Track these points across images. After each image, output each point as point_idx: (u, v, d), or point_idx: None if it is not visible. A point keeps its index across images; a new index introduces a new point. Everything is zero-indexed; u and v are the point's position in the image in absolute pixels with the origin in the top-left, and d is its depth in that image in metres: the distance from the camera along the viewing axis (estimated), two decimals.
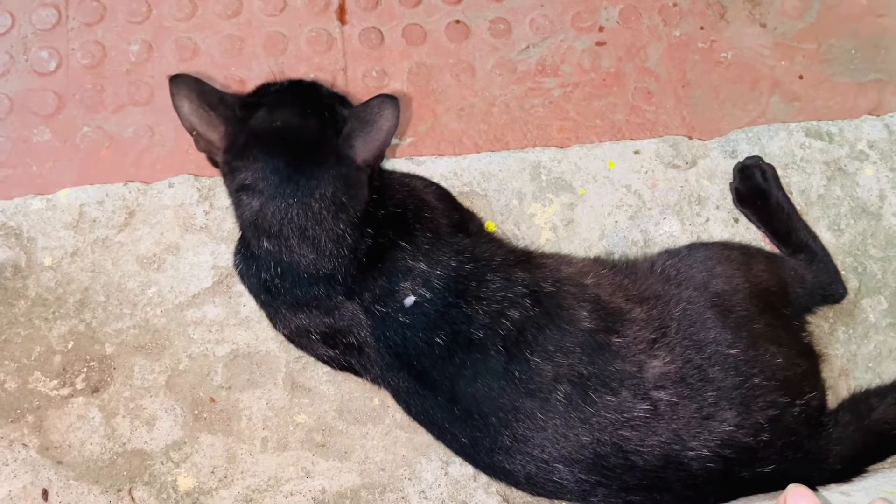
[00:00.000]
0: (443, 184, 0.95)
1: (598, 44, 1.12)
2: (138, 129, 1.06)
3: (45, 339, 0.91)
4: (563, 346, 0.74)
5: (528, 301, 0.76)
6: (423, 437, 0.83)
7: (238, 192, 0.79)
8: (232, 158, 0.79)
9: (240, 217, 0.80)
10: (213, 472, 0.87)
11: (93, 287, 0.93)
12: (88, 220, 0.95)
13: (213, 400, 0.89)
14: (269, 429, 0.88)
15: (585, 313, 0.76)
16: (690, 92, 1.10)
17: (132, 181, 0.98)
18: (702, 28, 1.13)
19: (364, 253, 0.78)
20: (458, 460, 0.83)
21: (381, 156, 0.81)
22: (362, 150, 0.79)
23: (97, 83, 1.07)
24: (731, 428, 0.71)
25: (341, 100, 0.85)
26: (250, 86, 1.06)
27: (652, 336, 0.76)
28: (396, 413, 0.87)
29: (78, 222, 0.94)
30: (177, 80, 0.78)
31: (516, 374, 0.73)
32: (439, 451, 0.86)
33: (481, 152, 1.04)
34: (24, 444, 0.87)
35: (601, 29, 1.12)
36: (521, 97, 1.09)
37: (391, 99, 0.78)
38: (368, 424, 0.89)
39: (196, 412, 0.88)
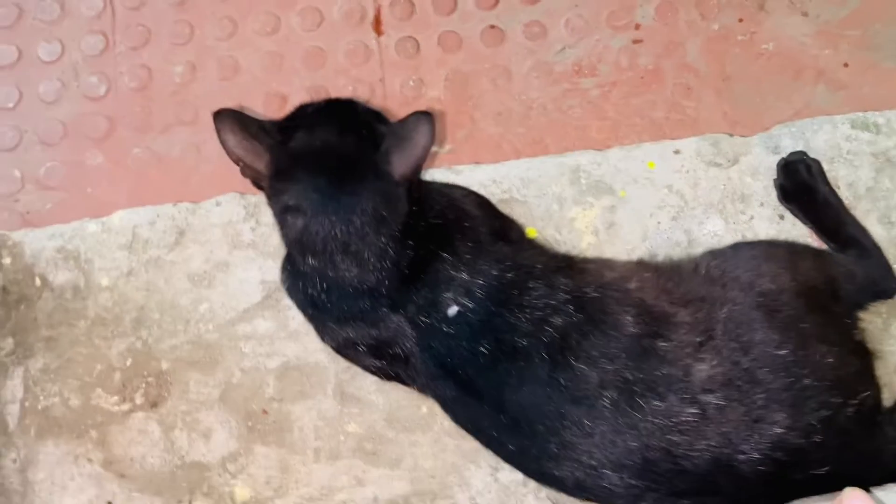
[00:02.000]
0: (482, 192, 0.96)
1: (635, 41, 1.11)
2: (185, 148, 1.08)
3: (105, 356, 0.94)
4: (609, 352, 0.74)
5: (571, 307, 0.76)
6: (472, 443, 0.84)
7: (282, 213, 0.80)
8: (276, 182, 0.80)
9: (285, 237, 0.82)
10: (268, 483, 0.89)
11: (147, 305, 0.96)
12: (141, 241, 0.98)
13: (265, 412, 0.91)
14: (320, 439, 0.90)
15: (630, 318, 0.76)
16: (731, 86, 1.08)
17: (181, 201, 1.00)
18: (741, 20, 1.11)
19: (406, 265, 0.79)
20: (507, 466, 0.83)
21: (418, 170, 0.82)
22: (400, 166, 0.80)
23: (145, 105, 1.09)
24: (781, 430, 0.71)
25: (377, 116, 0.86)
26: (292, 100, 1.08)
27: (698, 339, 0.75)
28: (444, 420, 0.88)
29: (132, 243, 0.98)
30: (220, 116, 0.80)
31: (562, 381, 0.73)
32: (488, 457, 0.87)
33: (520, 157, 1.03)
34: (89, 459, 0.90)
35: (637, 26, 1.11)
36: (559, 99, 1.09)
37: (426, 115, 0.79)
38: (417, 432, 0.90)
39: (250, 424, 0.91)
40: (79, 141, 1.08)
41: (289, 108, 1.07)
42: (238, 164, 0.83)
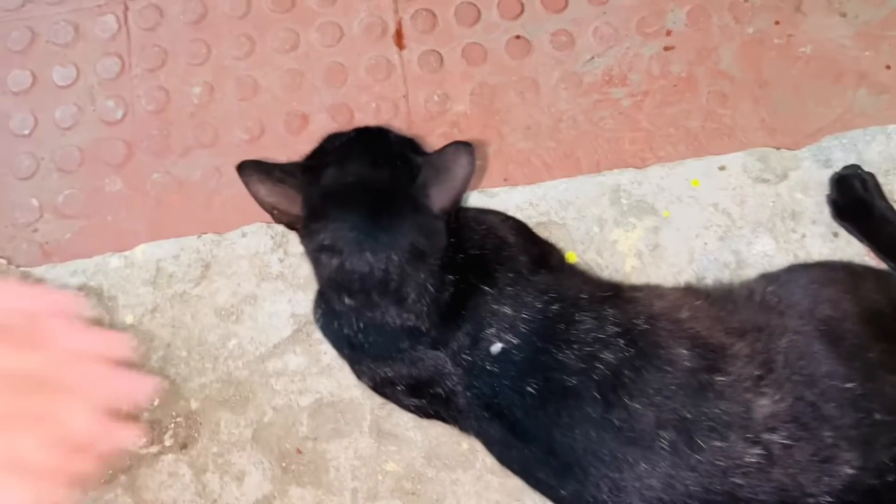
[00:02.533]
0: (518, 215, 0.92)
1: (667, 48, 1.07)
2: (206, 171, 1.05)
3: None
4: (664, 389, 0.70)
5: (621, 341, 0.72)
6: (516, 481, 0.80)
7: (317, 252, 0.77)
8: (310, 222, 0.77)
9: (320, 276, 0.79)
10: None
11: (174, 343, 0.93)
12: (165, 276, 0.95)
13: (299, 451, 0.88)
14: (358, 479, 0.87)
15: (684, 351, 0.72)
16: (769, 92, 1.04)
17: (205, 230, 0.97)
18: (777, 23, 1.07)
19: (446, 300, 0.75)
20: None
21: (458, 203, 0.78)
22: (439, 199, 0.77)
23: (163, 128, 1.07)
24: (853, 471, 0.66)
25: (412, 144, 0.83)
26: (313, 119, 1.05)
27: (758, 372, 0.71)
28: (487, 457, 0.84)
29: (156, 278, 0.95)
30: (244, 169, 0.77)
31: (615, 421, 0.69)
32: (534, 495, 0.83)
33: (554, 176, 1.00)
34: None
35: (669, 33, 1.07)
36: (589, 110, 1.05)
37: (466, 146, 0.75)
38: (458, 470, 0.86)
39: (284, 465, 0.87)
40: (97, 167, 1.06)
41: (310, 127, 1.06)
42: (272, 213, 0.79)
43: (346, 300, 0.76)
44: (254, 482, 0.87)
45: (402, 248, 0.74)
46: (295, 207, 0.78)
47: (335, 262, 0.75)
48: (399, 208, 0.75)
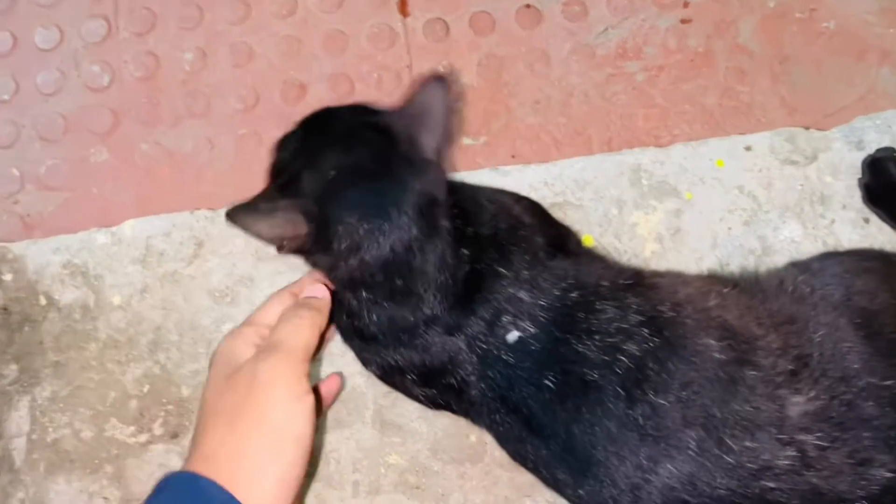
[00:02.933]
0: (532, 195, 0.87)
1: (684, 21, 1.02)
2: (198, 142, 1.00)
3: (119, 383, 0.86)
4: (691, 383, 0.66)
5: (645, 331, 0.68)
6: (526, 476, 0.76)
7: (336, 262, 0.71)
8: (320, 235, 0.70)
9: (339, 280, 0.73)
10: None
11: (165, 326, 0.87)
12: (156, 254, 0.89)
13: None
14: (359, 471, 0.82)
15: (713, 342, 0.68)
16: (789, 68, 1.00)
17: (196, 204, 0.92)
18: None
19: (462, 279, 0.70)
20: (566, 502, 0.75)
21: (451, 138, 0.73)
22: (429, 142, 0.71)
23: (152, 96, 1.01)
24: (891, 474, 0.63)
25: (364, 110, 0.76)
26: (311, 90, 1.00)
27: (791, 367, 0.67)
28: (496, 451, 0.80)
29: (145, 256, 0.89)
30: (234, 217, 0.68)
31: (640, 419, 0.65)
32: (545, 491, 0.79)
33: (564, 153, 0.95)
34: (105, 498, 0.83)
35: (686, 4, 1.03)
36: (602, 84, 1.01)
37: (436, 79, 0.70)
38: (466, 463, 0.82)
39: None
40: (81, 136, 1.00)
41: (308, 98, 1.01)
42: (280, 247, 0.72)
43: (364, 294, 0.71)
44: None
45: (413, 209, 0.69)
46: (301, 227, 0.70)
47: (354, 261, 0.70)
48: (396, 176, 0.69)
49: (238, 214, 0.69)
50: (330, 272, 0.73)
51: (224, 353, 0.66)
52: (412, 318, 0.71)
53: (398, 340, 0.71)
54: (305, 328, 0.66)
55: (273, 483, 0.58)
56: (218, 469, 0.58)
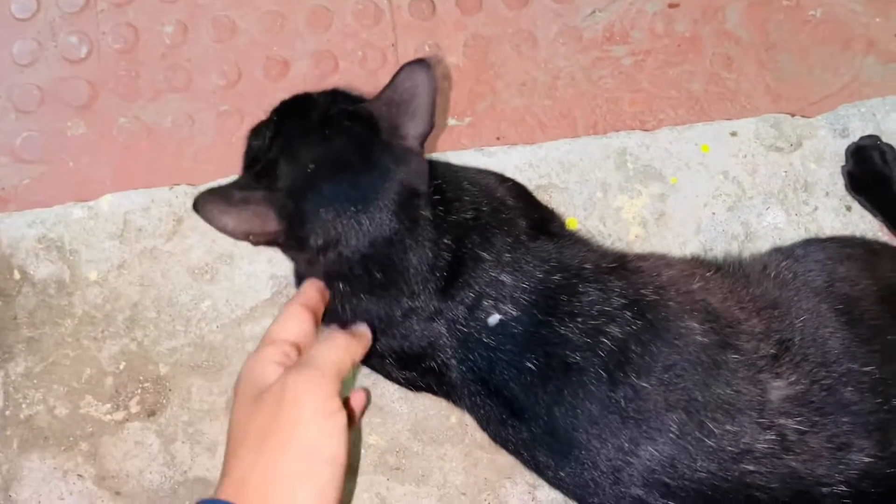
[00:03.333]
0: (517, 177, 0.86)
1: (671, 5, 1.02)
2: (177, 117, 0.98)
3: (94, 360, 0.85)
4: (674, 366, 0.66)
5: (628, 314, 0.68)
6: (507, 458, 0.76)
7: (312, 257, 0.69)
8: (293, 230, 0.68)
9: (316, 274, 0.71)
10: None
11: (142, 302, 0.86)
12: (134, 230, 0.87)
13: None
14: None
15: (695, 325, 0.68)
16: (775, 56, 1.00)
17: (176, 181, 0.90)
18: None
19: (443, 266, 0.69)
20: (546, 483, 0.75)
21: (433, 123, 0.71)
22: (413, 130, 0.70)
23: (131, 69, 0.99)
24: (869, 459, 0.63)
25: (344, 96, 0.75)
26: (294, 67, 0.99)
27: (773, 351, 0.67)
28: (476, 432, 0.80)
29: (123, 232, 0.87)
30: (201, 205, 0.65)
31: (622, 402, 0.65)
32: (525, 473, 0.79)
33: (549, 135, 0.94)
34: (80, 475, 0.81)
35: None
36: (588, 68, 1.00)
37: (418, 62, 0.68)
38: (446, 445, 0.82)
39: None
40: (58, 108, 0.98)
41: (291, 74, 0.99)
42: (248, 239, 0.69)
43: (341, 286, 0.70)
44: None
45: (393, 202, 0.68)
46: (271, 224, 0.68)
47: (332, 255, 0.68)
48: (376, 168, 0.68)
49: (207, 202, 0.66)
50: (307, 266, 0.72)
51: (248, 375, 0.62)
52: (391, 311, 0.70)
53: (373, 321, 0.71)
54: (340, 349, 0.63)
55: None
56: (248, 496, 0.55)
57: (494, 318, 0.69)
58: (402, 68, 0.69)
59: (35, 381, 0.84)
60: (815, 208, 0.87)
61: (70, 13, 1.01)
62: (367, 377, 0.83)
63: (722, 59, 1.00)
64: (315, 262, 0.70)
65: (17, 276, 0.86)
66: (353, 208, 0.67)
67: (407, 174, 0.69)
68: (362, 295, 0.70)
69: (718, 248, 0.85)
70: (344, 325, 0.70)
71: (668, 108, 0.99)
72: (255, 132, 0.75)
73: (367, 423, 0.82)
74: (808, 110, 0.97)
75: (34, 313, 0.85)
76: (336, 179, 0.68)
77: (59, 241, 0.87)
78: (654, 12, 1.01)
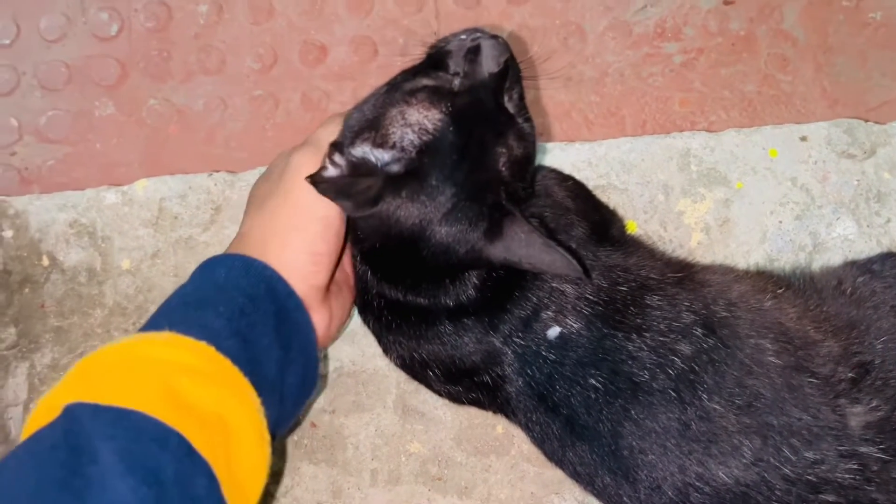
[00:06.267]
0: (575, 176, 0.82)
1: (726, 2, 0.98)
2: (209, 101, 0.94)
3: None
4: (747, 389, 0.62)
5: (699, 330, 0.64)
6: (555, 472, 0.72)
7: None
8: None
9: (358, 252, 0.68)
10: None
11: None
12: (169, 217, 0.83)
13: (314, 425, 0.79)
14: (378, 459, 0.78)
15: (769, 345, 0.64)
16: (833, 59, 0.96)
17: (205, 164, 0.86)
18: None
19: (498, 280, 0.65)
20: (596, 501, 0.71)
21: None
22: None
23: (163, 49, 0.95)
24: None
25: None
26: (332, 53, 0.95)
27: (852, 374, 0.63)
28: (523, 444, 0.76)
29: (158, 219, 0.83)
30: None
31: (692, 425, 0.61)
32: (574, 489, 0.75)
33: (595, 134, 0.91)
34: None
35: None
36: (638, 64, 0.96)
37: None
38: (491, 456, 0.78)
39: (296, 439, 0.78)
40: (85, 87, 0.94)
41: (328, 61, 0.96)
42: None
43: (383, 277, 0.66)
44: None
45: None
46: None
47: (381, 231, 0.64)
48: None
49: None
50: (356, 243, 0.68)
51: (275, 160, 0.69)
52: (435, 308, 0.66)
53: (421, 329, 0.66)
54: (338, 128, 0.66)
55: (299, 253, 0.61)
56: (249, 244, 0.63)
57: (554, 331, 0.65)
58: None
59: (62, 374, 0.79)
60: (888, 220, 0.83)
61: None
62: (409, 381, 0.79)
63: (777, 60, 0.96)
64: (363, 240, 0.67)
65: (45, 262, 0.82)
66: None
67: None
68: (403, 278, 0.66)
69: (785, 259, 0.80)
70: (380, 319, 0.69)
71: (721, 110, 0.95)
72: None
73: (409, 430, 0.79)
74: (865, 116, 0.93)
75: (63, 302, 0.81)
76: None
77: (90, 227, 0.82)
78: (708, 9, 0.97)
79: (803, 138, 0.85)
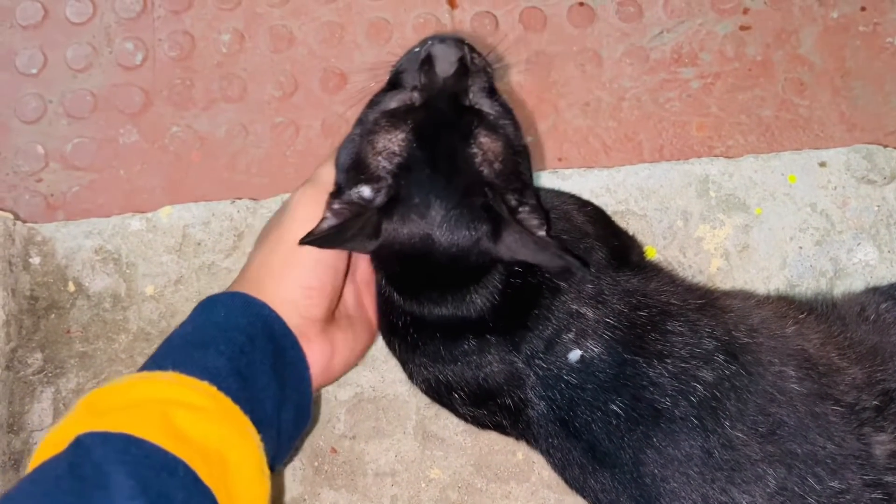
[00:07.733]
0: (594, 202, 0.82)
1: (743, 28, 0.99)
2: (231, 128, 0.96)
3: None
4: (770, 416, 0.61)
5: (720, 357, 0.63)
6: (575, 499, 0.72)
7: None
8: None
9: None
10: None
11: None
12: (193, 244, 0.84)
13: (334, 451, 0.79)
14: (398, 485, 0.78)
15: (792, 371, 0.63)
16: (850, 83, 0.97)
17: (239, 197, 0.87)
18: (863, 9, 0.99)
19: (519, 293, 0.65)
20: None
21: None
22: None
23: (186, 77, 0.97)
24: None
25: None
26: (352, 80, 0.97)
27: (876, 402, 0.63)
28: (543, 470, 0.76)
29: (181, 246, 0.84)
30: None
31: (715, 453, 0.60)
32: None
33: (613, 159, 0.92)
34: None
35: (746, 11, 0.99)
36: (655, 90, 0.97)
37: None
38: (511, 482, 0.78)
39: (316, 464, 0.78)
40: (111, 115, 0.96)
41: (348, 88, 0.97)
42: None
43: (405, 296, 0.66)
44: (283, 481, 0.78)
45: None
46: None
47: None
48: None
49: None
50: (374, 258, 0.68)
51: (288, 199, 0.70)
52: (460, 329, 0.66)
53: (445, 352, 0.67)
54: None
55: (293, 288, 0.63)
56: (248, 282, 0.64)
57: (575, 354, 0.65)
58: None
59: None
60: None
61: (126, 19, 1.00)
62: (429, 407, 0.79)
63: (794, 84, 0.97)
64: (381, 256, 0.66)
65: (71, 287, 0.83)
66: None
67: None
68: (425, 301, 0.66)
69: (806, 285, 0.80)
70: (405, 342, 0.69)
71: (738, 135, 0.96)
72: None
73: (429, 456, 0.78)
74: (884, 141, 0.93)
75: (88, 327, 0.82)
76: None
77: (115, 254, 0.83)
78: (725, 34, 0.98)
79: (822, 164, 0.85)
